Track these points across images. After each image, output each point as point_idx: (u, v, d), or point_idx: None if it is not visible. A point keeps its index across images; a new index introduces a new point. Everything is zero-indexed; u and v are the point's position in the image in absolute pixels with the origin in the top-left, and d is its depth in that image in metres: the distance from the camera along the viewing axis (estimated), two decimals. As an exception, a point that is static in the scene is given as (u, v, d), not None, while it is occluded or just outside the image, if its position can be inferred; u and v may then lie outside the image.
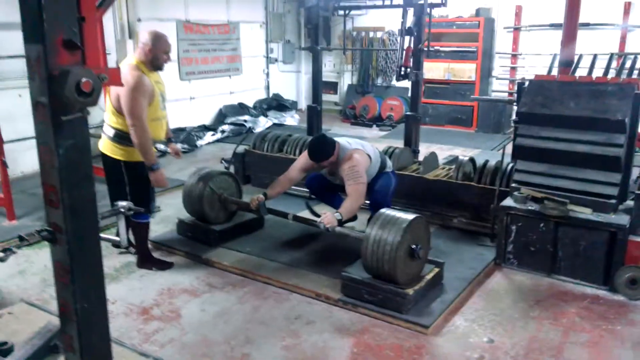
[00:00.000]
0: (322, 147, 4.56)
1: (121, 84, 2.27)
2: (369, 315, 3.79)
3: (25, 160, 7.32)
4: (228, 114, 10.58)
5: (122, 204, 2.22)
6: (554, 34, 9.73)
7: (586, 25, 8.51)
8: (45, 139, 1.69)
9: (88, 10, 1.66)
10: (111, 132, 4.07)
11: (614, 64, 6.19)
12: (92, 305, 1.86)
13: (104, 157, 4.18)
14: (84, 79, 1.58)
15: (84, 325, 1.84)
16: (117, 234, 2.95)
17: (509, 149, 5.30)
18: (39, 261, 4.61)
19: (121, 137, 4.04)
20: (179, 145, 8.85)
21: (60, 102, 1.61)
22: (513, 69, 10.64)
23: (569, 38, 5.10)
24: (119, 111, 3.96)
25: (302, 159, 4.77)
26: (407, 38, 6.42)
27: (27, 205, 5.95)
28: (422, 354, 3.39)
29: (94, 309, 1.87)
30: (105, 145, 4.15)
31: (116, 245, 2.58)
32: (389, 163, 5.06)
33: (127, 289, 4.19)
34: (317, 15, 7.12)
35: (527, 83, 4.77)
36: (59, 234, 1.77)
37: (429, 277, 4.02)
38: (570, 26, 5.09)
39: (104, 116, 4.18)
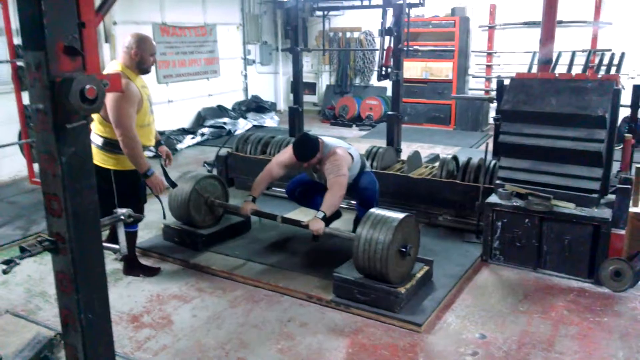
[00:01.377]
0: (308, 147, 4.55)
1: (122, 90, 2.23)
2: (361, 315, 3.80)
3: (1, 168, 7.17)
4: (207, 116, 10.51)
5: (122, 211, 2.19)
6: (527, 32, 9.93)
7: (559, 23, 8.69)
8: (47, 147, 1.65)
9: (88, 15, 1.63)
10: (99, 141, 3.98)
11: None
12: (96, 315, 1.83)
13: None
14: (88, 86, 1.56)
15: (88, 335, 1.81)
16: (115, 242, 2.92)
17: (490, 146, 5.38)
18: (21, 271, 4.51)
19: (111, 145, 3.94)
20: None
21: (63, 110, 1.57)
22: (489, 67, 10.79)
23: (548, 36, 5.19)
24: (106, 120, 3.87)
25: (286, 155, 4.73)
26: (387, 38, 6.46)
27: (6, 214, 5.82)
28: (417, 352, 3.42)
29: (98, 318, 1.84)
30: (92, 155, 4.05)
31: (116, 253, 2.53)
32: (367, 163, 5.12)
33: (115, 296, 4.12)
34: (297, 17, 7.11)
35: (506, 81, 4.84)
36: (62, 244, 1.73)
37: (419, 275, 4.06)
38: (549, 25, 5.18)
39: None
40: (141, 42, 3.96)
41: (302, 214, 5.36)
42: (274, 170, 4.74)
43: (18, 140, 6.60)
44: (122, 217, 2.17)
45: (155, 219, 5.67)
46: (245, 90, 12.11)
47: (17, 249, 1.88)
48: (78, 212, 1.74)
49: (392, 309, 3.75)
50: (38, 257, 4.34)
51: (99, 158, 3.98)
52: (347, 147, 4.78)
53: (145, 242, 5.04)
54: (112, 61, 4.26)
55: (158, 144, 4.50)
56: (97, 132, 4.00)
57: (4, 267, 1.77)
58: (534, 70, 5.22)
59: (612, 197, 4.35)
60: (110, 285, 4.26)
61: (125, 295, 4.16)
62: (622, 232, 4.18)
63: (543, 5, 5.21)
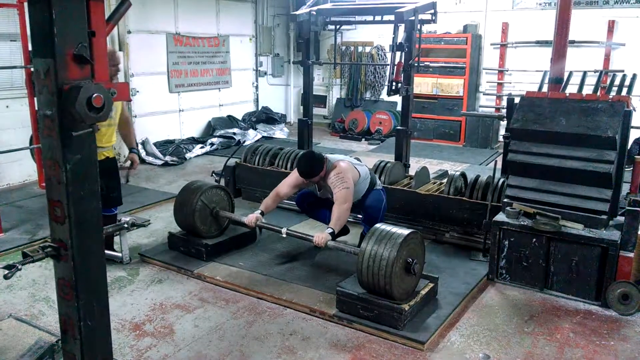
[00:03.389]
0: (312, 165, 4.58)
1: (129, 99, 2.24)
2: (364, 331, 3.77)
3: (11, 171, 7.23)
4: (217, 126, 10.55)
5: (126, 219, 2.19)
6: (539, 51, 9.92)
7: (572, 42, 8.67)
8: (53, 153, 1.66)
9: (98, 24, 1.64)
10: None
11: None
12: (95, 323, 1.82)
13: None
14: (95, 94, 1.56)
15: (87, 343, 1.80)
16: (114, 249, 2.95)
17: (498, 163, 5.36)
18: (26, 276, 4.52)
19: None
20: (168, 158, 8.83)
21: (70, 117, 1.58)
22: (500, 84, 10.77)
23: (559, 56, 5.18)
24: None
25: (293, 176, 4.78)
26: (398, 53, 6.46)
27: (14, 218, 5.86)
28: (419, 370, 3.38)
29: (97, 326, 1.83)
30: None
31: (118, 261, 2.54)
32: (378, 181, 5.12)
33: (118, 304, 4.12)
34: (309, 30, 7.14)
35: (517, 99, 4.83)
36: (64, 250, 1.73)
37: (423, 292, 4.02)
38: (560, 44, 5.18)
39: None
40: None
41: (307, 227, 5.35)
42: (281, 190, 4.78)
43: (29, 144, 6.66)
44: (126, 225, 2.16)
45: (160, 226, 5.71)
46: (256, 101, 12.17)
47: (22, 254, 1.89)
48: (81, 219, 1.74)
49: (395, 326, 3.71)
50: (43, 262, 4.37)
51: None
52: (355, 163, 4.79)
53: (150, 250, 5.04)
54: None
55: (131, 150, 4.89)
56: None
57: (6, 272, 1.78)
58: (545, 89, 5.19)
59: (621, 219, 4.30)
60: (114, 293, 4.28)
61: (129, 303, 4.15)
62: (631, 254, 4.13)
63: (555, 24, 5.21)
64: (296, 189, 4.85)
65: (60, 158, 1.64)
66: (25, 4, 6.18)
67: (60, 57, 1.58)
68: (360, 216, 5.27)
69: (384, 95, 11.83)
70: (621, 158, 4.32)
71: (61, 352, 3.28)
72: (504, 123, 8.56)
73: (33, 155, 6.84)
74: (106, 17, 1.74)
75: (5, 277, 1.79)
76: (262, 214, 4.68)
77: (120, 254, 2.67)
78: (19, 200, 6.57)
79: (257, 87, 12.15)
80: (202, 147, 9.73)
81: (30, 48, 6.28)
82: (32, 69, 6.28)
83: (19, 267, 1.78)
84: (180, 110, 10.13)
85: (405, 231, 3.82)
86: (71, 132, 1.58)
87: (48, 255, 1.76)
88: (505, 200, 4.65)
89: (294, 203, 5.38)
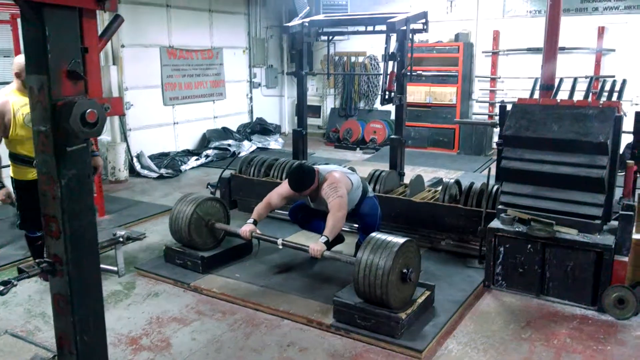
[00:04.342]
0: (303, 178, 4.58)
1: (123, 113, 2.25)
2: (362, 341, 3.77)
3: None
4: (212, 138, 10.57)
5: (121, 233, 2.20)
6: (530, 58, 10.01)
7: (562, 49, 8.75)
8: (48, 168, 1.67)
9: (91, 40, 1.66)
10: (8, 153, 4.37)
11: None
12: (92, 338, 1.82)
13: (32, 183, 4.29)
14: (89, 110, 1.58)
15: (83, 358, 1.80)
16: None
17: (492, 170, 5.38)
18: (22, 292, 4.50)
19: (11, 157, 4.38)
20: (163, 170, 8.83)
21: (64, 133, 1.59)
22: (492, 92, 10.84)
23: (549, 62, 5.23)
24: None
25: (284, 187, 4.76)
26: (390, 63, 6.51)
27: (8, 234, 5.83)
28: (417, 378, 3.38)
29: (93, 341, 1.83)
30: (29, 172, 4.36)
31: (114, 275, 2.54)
32: (370, 188, 5.15)
33: (114, 318, 4.10)
34: (302, 41, 7.19)
35: (509, 106, 4.86)
36: (59, 266, 1.74)
37: (420, 300, 4.03)
38: (550, 51, 5.23)
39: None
40: (22, 66, 4.20)
41: (303, 237, 5.35)
42: (272, 200, 4.76)
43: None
44: (121, 239, 2.17)
45: (156, 239, 5.70)
46: (251, 112, 12.20)
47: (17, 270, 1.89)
48: (76, 235, 1.75)
49: (392, 335, 3.71)
50: (39, 278, 4.35)
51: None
52: (347, 172, 4.81)
53: (146, 264, 5.04)
54: (10, 84, 4.45)
55: (92, 154, 4.93)
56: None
57: (1, 288, 1.78)
58: (536, 96, 5.23)
59: (615, 223, 4.33)
60: (110, 307, 4.26)
61: (125, 317, 4.14)
62: (625, 259, 4.15)
63: (545, 31, 5.27)
64: (286, 200, 4.83)
65: (55, 173, 1.65)
66: (19, 20, 6.21)
67: (53, 74, 1.59)
68: (356, 225, 5.28)
69: (377, 105, 11.89)
70: (613, 163, 4.35)
71: (57, 368, 3.28)
72: (497, 130, 8.62)
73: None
74: (99, 32, 1.77)
75: (1, 293, 1.78)
76: (255, 222, 4.68)
77: (116, 268, 2.67)
78: (14, 216, 6.53)
79: (251, 99, 12.19)
80: (197, 159, 9.74)
81: (24, 64, 6.32)
82: (25, 85, 6.30)
83: (15, 283, 1.78)
84: (175, 123, 10.15)
85: (401, 240, 3.84)
86: (66, 148, 1.60)
87: (44, 271, 1.76)
88: (499, 207, 4.67)
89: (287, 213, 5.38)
